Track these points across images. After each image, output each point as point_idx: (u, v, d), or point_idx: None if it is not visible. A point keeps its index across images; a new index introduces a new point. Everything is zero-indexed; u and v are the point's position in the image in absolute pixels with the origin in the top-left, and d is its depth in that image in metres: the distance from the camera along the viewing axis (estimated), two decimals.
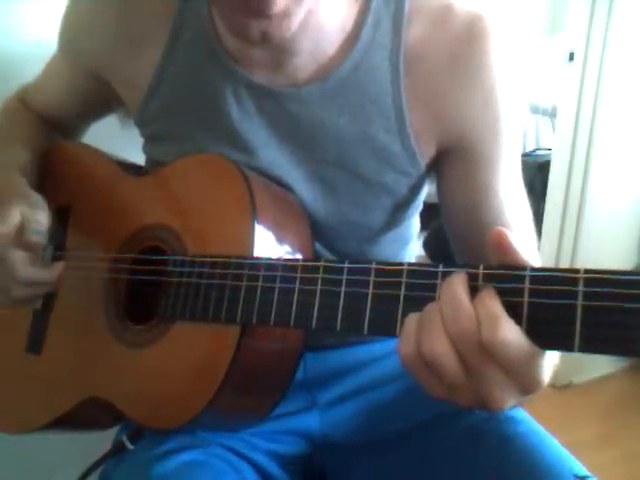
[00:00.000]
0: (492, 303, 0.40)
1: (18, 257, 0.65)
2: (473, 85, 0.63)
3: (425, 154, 0.66)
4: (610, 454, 1.68)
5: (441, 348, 0.41)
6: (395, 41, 0.62)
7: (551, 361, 0.48)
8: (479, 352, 0.40)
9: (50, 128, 0.83)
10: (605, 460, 1.61)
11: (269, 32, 0.54)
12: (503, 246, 0.42)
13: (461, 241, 0.70)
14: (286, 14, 0.54)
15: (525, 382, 0.41)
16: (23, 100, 0.84)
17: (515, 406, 0.44)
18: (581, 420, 1.86)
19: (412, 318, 0.44)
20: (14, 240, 0.64)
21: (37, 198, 0.67)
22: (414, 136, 0.64)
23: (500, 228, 0.42)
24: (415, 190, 0.70)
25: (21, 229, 0.64)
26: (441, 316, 0.41)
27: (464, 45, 0.61)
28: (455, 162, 0.66)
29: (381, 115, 0.63)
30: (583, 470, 0.60)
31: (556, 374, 0.52)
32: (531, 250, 0.65)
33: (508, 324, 0.40)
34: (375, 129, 0.64)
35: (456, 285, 0.42)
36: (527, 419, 0.66)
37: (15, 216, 0.64)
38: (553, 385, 1.93)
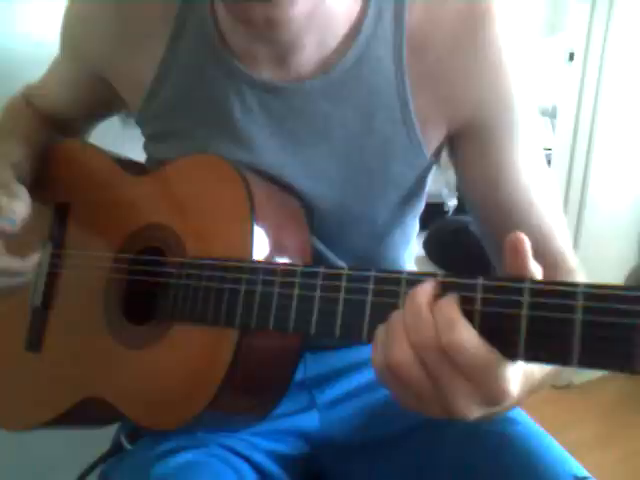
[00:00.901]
0: (449, 309, 0.41)
1: None
2: (478, 61, 0.62)
3: (432, 142, 0.65)
4: (610, 454, 1.69)
5: (403, 356, 0.41)
6: (397, 30, 0.62)
7: (533, 374, 0.48)
8: (440, 358, 0.40)
9: (54, 129, 0.83)
10: (605, 460, 1.61)
11: (274, 18, 0.54)
12: (518, 250, 0.41)
13: (488, 228, 0.68)
14: (291, 1, 0.54)
15: (490, 390, 0.40)
16: (27, 101, 0.84)
17: (488, 415, 0.43)
18: (581, 420, 1.86)
19: (381, 328, 0.44)
20: None
21: (18, 188, 0.67)
22: (420, 125, 0.64)
23: (520, 234, 0.41)
24: (420, 183, 0.69)
25: None
26: (404, 325, 0.42)
27: (466, 23, 0.61)
28: (470, 144, 0.65)
29: (385, 106, 0.63)
30: (582, 471, 0.60)
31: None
32: (565, 242, 0.65)
33: (464, 328, 0.40)
34: (380, 121, 0.63)
35: (419, 295, 0.42)
36: (526, 420, 0.66)
37: None
38: (553, 385, 1.93)
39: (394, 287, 0.46)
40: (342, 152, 0.65)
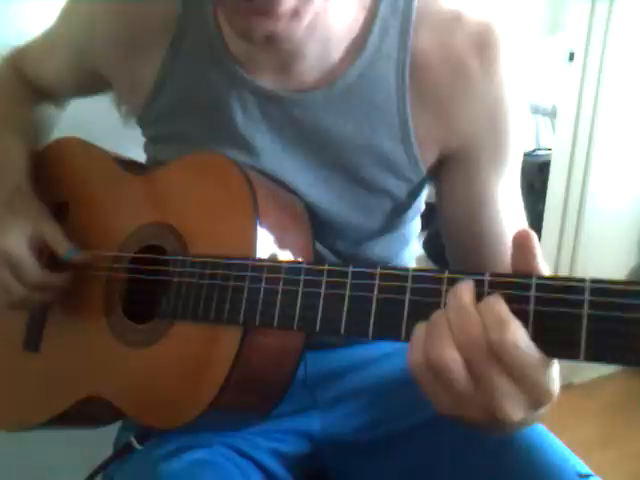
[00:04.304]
0: (499, 307, 0.40)
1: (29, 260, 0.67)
2: (478, 96, 0.62)
3: (427, 160, 0.66)
4: (610, 454, 1.69)
5: (447, 355, 0.40)
6: (402, 49, 0.62)
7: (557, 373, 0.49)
8: (488, 358, 0.39)
9: (41, 97, 0.83)
10: (606, 460, 1.61)
11: (275, 33, 0.54)
12: (527, 246, 0.41)
13: (458, 251, 0.70)
14: (293, 15, 0.53)
15: (534, 391, 0.40)
16: (15, 66, 0.82)
17: (525, 421, 0.42)
18: (581, 420, 1.85)
19: (421, 326, 0.43)
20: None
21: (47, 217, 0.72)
22: (417, 143, 0.64)
23: (529, 230, 0.41)
24: (415, 194, 0.70)
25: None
26: (448, 324, 0.41)
27: (471, 57, 0.61)
28: (456, 170, 0.66)
29: (385, 123, 0.63)
30: (586, 469, 0.60)
31: None
32: None
33: (517, 326, 0.39)
34: (379, 137, 0.64)
35: (463, 292, 0.42)
36: None
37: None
38: None
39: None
40: (340, 163, 0.65)
